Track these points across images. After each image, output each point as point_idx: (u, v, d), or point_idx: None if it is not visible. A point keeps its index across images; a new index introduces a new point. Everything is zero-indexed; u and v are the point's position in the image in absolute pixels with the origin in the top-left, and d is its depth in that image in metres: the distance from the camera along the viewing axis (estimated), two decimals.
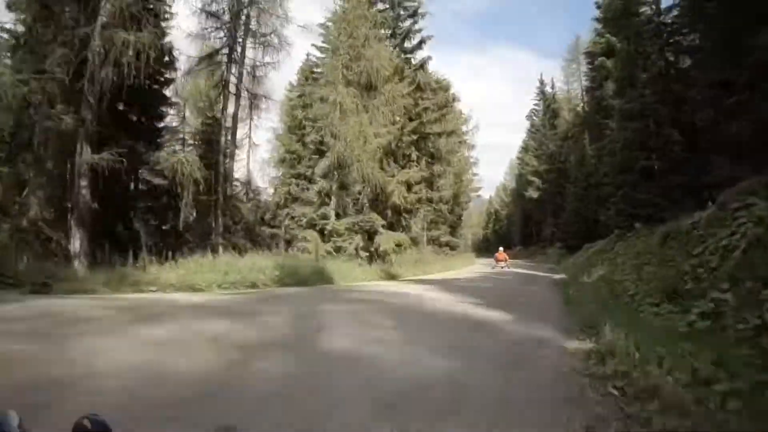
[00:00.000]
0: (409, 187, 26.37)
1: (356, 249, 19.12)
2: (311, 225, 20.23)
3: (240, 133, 33.53)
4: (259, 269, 10.15)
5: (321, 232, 19.67)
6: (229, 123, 21.92)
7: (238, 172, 37.01)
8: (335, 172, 19.99)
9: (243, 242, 20.26)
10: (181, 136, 27.83)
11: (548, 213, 52.49)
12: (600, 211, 29.46)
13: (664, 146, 19.79)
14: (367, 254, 19.88)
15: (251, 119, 33.73)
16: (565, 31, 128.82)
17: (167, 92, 22.76)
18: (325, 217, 19.97)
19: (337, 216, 20.16)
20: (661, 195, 18.88)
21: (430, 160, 41.64)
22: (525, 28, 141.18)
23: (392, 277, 16.07)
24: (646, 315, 6.68)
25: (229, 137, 21.66)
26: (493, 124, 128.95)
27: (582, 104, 49.05)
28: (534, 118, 56.80)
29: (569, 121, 51.88)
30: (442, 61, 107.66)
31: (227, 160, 21.75)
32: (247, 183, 34.11)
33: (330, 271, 12.55)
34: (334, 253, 18.62)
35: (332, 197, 20.17)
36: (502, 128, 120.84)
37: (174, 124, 27.26)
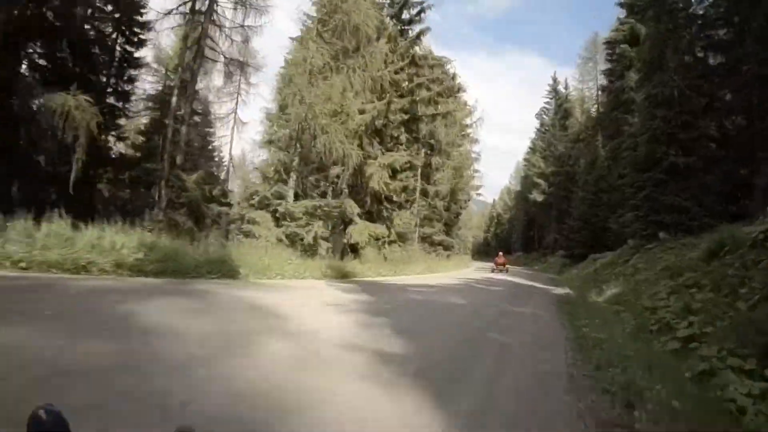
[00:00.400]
0: (394, 173, 22.85)
1: (315, 238, 15.63)
2: (264, 205, 16.74)
3: (226, 108, 30.44)
4: (111, 248, 6.75)
5: (274, 214, 16.18)
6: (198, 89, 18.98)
7: (222, 149, 33.73)
8: (297, 144, 16.51)
9: (184, 219, 16.99)
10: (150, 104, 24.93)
11: (552, 218, 48.87)
12: (611, 218, 25.90)
13: (696, 140, 16.24)
14: (330, 245, 16.42)
15: (238, 94, 30.54)
16: (579, 38, 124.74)
17: (142, 53, 20.95)
18: (281, 196, 16.45)
19: (297, 197, 16.66)
20: (691, 198, 15.35)
21: (429, 152, 38.26)
22: (539, 34, 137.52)
23: (344, 275, 12.47)
24: (735, 394, 3.19)
25: (180, 99, 18.32)
26: (502, 129, 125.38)
27: (597, 105, 45.44)
28: (544, 117, 53.11)
29: (582, 123, 48.25)
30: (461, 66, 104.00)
31: (182, 126, 18.45)
32: (230, 158, 30.76)
33: (240, 262, 9.05)
34: (285, 241, 15.19)
35: (292, 174, 16.67)
36: (511, 133, 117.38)
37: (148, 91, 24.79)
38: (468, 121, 43.71)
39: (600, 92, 41.14)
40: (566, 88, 52.56)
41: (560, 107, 51.83)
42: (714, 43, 20.48)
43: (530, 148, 54.65)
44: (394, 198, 24.25)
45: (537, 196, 50.41)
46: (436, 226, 39.06)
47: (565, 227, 37.83)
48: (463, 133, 40.31)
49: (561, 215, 45.75)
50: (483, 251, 78.02)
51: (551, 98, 52.69)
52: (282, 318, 5.49)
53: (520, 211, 63.55)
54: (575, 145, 47.68)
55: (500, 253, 34.43)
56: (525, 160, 58.44)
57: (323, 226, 16.23)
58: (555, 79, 52.93)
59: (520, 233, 64.55)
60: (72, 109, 10.84)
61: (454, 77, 43.58)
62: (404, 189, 23.71)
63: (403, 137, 25.32)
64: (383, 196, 22.53)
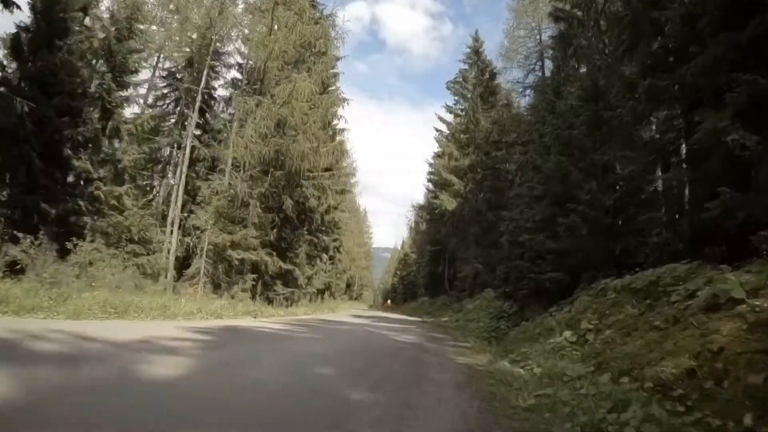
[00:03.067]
0: None
1: None
2: None
3: None
4: None
5: None
6: None
7: None
8: None
9: None
10: None
11: (471, 240, 29.93)
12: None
13: None
14: None
15: None
16: None
17: None
18: None
19: None
20: None
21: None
22: None
23: None
24: None
25: None
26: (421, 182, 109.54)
27: (541, 59, 28.05)
28: (461, 86, 35.02)
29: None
30: (384, 118, 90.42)
31: None
32: None
33: None
34: None
35: None
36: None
37: None
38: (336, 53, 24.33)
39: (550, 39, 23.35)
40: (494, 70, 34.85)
41: (483, 75, 34.25)
42: None
43: (438, 132, 36.09)
44: None
45: (447, 203, 31.39)
46: (236, 233, 18.30)
47: (503, 241, 18.40)
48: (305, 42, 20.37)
49: (486, 233, 27.12)
50: (391, 298, 63.23)
51: (471, 63, 34.97)
52: None
53: (424, 236, 44.59)
54: (503, 128, 30.05)
55: (388, 301, 47.75)
56: (432, 159, 39.60)
57: None
58: (477, 39, 35.56)
59: (425, 271, 45.50)
60: None
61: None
62: None
63: None
64: None
